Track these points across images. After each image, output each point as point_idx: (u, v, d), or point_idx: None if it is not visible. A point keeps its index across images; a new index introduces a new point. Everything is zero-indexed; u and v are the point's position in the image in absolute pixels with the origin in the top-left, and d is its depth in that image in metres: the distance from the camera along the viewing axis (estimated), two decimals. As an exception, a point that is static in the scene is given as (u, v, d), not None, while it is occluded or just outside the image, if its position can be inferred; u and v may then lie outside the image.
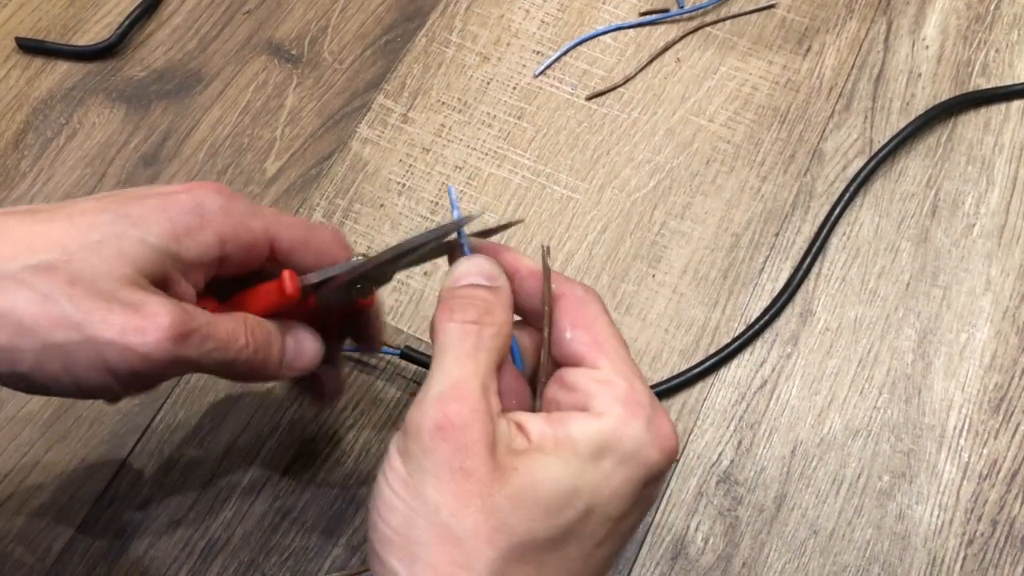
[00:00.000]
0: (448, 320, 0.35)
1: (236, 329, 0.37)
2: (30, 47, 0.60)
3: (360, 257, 0.40)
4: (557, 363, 0.36)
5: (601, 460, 0.33)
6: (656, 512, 0.49)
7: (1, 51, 0.60)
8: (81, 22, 0.61)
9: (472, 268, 0.37)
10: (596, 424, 0.33)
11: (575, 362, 0.35)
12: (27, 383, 0.35)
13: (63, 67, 0.60)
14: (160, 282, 0.36)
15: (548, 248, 0.37)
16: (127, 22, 0.61)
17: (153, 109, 0.59)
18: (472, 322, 0.35)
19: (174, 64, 0.61)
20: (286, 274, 0.39)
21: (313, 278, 0.39)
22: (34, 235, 0.34)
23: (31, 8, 0.62)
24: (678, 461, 0.50)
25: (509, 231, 0.56)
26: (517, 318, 0.37)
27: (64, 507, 0.49)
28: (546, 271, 0.37)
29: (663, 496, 0.50)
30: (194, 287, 0.38)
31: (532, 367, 0.38)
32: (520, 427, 0.34)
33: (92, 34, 0.61)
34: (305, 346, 0.40)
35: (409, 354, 0.51)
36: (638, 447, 0.33)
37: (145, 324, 0.34)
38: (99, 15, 0.62)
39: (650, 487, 0.34)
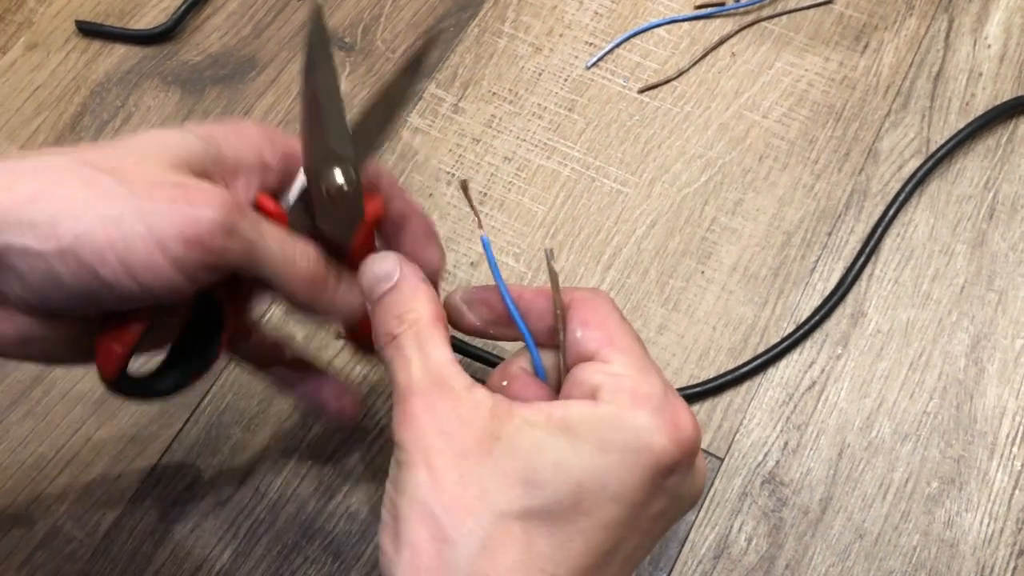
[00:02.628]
0: (379, 349, 0.37)
1: (289, 244, 0.36)
2: (89, 30, 0.61)
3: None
4: (572, 364, 0.36)
5: (599, 446, 0.32)
6: (699, 511, 0.49)
7: (61, 34, 0.61)
8: (139, 6, 0.62)
9: (369, 278, 0.37)
10: (593, 408, 0.33)
11: (588, 359, 0.35)
12: (62, 277, 0.32)
13: (120, 50, 0.61)
14: (203, 177, 0.36)
15: (551, 251, 0.37)
16: (183, 7, 0.61)
17: (207, 93, 0.60)
18: (391, 340, 0.36)
19: (228, 49, 0.61)
20: (259, 196, 0.37)
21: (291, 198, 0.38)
22: (80, 148, 0.35)
23: (91, -9, 0.63)
24: (722, 460, 0.50)
25: (555, 227, 0.56)
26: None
27: (113, 485, 0.50)
28: (552, 275, 0.36)
29: (706, 495, 0.49)
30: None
31: (556, 382, 0.38)
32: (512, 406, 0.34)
33: (149, 18, 0.62)
34: (353, 292, 0.40)
35: (458, 346, 0.51)
36: (639, 434, 0.33)
37: (197, 195, 0.33)
38: (156, 0, 0.62)
39: (669, 478, 0.34)
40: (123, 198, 0.32)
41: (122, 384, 0.37)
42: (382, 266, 0.38)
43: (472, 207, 0.38)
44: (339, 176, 0.37)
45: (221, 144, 0.37)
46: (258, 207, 0.37)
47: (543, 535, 0.32)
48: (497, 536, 0.31)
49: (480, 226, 0.39)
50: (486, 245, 0.37)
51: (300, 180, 0.38)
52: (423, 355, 0.35)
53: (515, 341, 0.38)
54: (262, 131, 0.39)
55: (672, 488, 0.34)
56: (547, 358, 0.37)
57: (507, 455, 0.32)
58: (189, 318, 0.39)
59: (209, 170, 0.36)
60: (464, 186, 0.38)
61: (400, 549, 0.32)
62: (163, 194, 0.33)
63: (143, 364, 0.38)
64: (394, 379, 0.35)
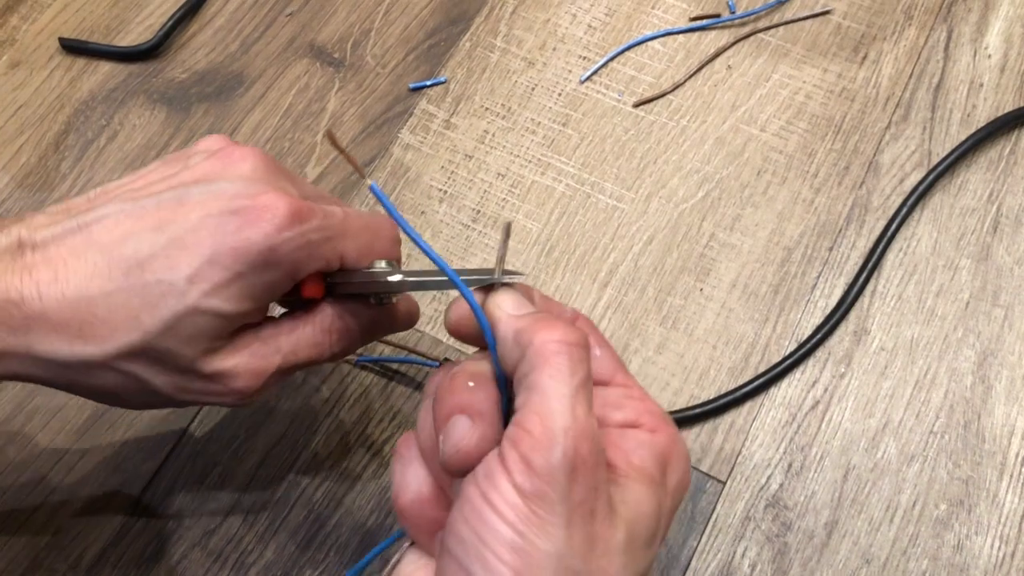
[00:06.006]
0: (557, 350, 0.31)
1: (320, 343, 0.39)
2: (73, 48, 0.60)
3: (384, 266, 0.39)
4: None
5: (666, 481, 0.32)
6: (702, 536, 0.47)
7: (45, 51, 0.60)
8: (124, 23, 0.61)
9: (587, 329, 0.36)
10: (651, 441, 0.33)
11: (603, 381, 0.35)
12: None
13: (105, 68, 0.60)
14: (236, 326, 0.37)
15: (509, 225, 0.34)
16: (169, 23, 0.60)
17: (194, 111, 0.58)
18: (580, 360, 0.31)
19: (215, 66, 0.60)
20: (309, 282, 0.39)
21: (337, 277, 0.39)
22: (113, 307, 0.35)
23: (75, 9, 0.61)
24: (724, 483, 0.49)
25: (550, 244, 0.55)
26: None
27: (97, 514, 0.48)
28: (502, 249, 0.34)
29: (708, 519, 0.48)
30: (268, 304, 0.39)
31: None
32: None
33: (135, 35, 0.61)
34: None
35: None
36: (685, 462, 0.33)
37: (222, 389, 0.37)
38: (142, 16, 0.61)
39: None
40: (161, 397, 0.37)
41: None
42: (593, 336, 0.35)
43: (345, 155, 0.34)
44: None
45: (257, 299, 0.37)
46: (301, 290, 0.39)
47: None
48: None
49: (362, 175, 0.34)
50: (376, 192, 0.33)
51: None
52: (586, 401, 0.31)
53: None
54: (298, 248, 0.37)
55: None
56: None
57: (630, 522, 0.31)
58: None
59: (241, 322, 0.37)
60: (330, 135, 0.34)
61: None
62: (194, 388, 0.37)
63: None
64: (558, 393, 0.30)
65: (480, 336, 0.33)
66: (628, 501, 0.31)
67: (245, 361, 0.37)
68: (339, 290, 0.40)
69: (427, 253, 0.32)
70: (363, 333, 0.41)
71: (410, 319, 0.43)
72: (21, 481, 0.49)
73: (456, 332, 0.35)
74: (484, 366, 0.33)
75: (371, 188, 0.32)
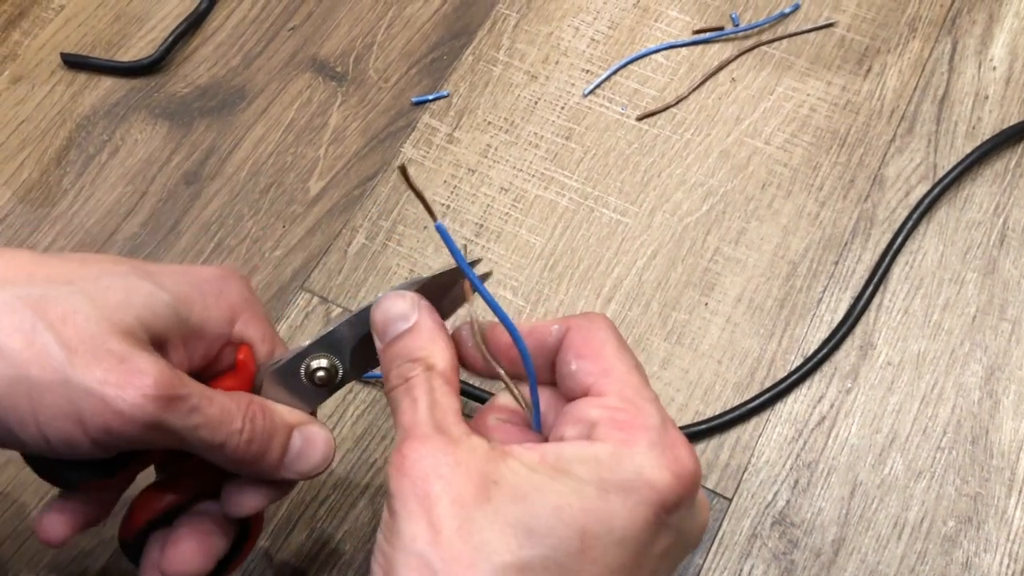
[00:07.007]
0: (388, 392, 0.35)
1: (232, 409, 0.35)
2: (75, 63, 0.60)
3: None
4: (568, 398, 0.35)
5: (599, 487, 0.31)
6: (708, 554, 0.47)
7: (46, 67, 0.60)
8: (126, 38, 0.61)
9: (385, 316, 0.36)
10: (591, 449, 0.32)
11: (583, 393, 0.34)
12: None
13: (107, 83, 0.60)
14: (159, 342, 0.34)
15: (465, 247, 0.36)
16: (171, 38, 0.60)
17: (196, 126, 0.58)
18: (402, 382, 0.34)
19: (217, 81, 0.60)
20: (244, 351, 0.37)
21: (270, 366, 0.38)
22: (39, 264, 0.33)
23: (76, 24, 0.61)
24: (730, 500, 0.48)
25: (554, 259, 0.54)
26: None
27: (99, 532, 0.48)
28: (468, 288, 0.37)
29: (714, 537, 0.47)
30: (190, 362, 0.36)
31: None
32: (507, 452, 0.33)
33: (136, 50, 0.60)
34: (314, 448, 0.38)
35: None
36: (639, 471, 0.31)
37: (129, 378, 0.32)
38: (144, 31, 0.61)
39: (673, 514, 0.32)
40: (55, 366, 0.31)
41: (135, 551, 0.39)
42: (398, 306, 0.36)
43: (417, 194, 0.33)
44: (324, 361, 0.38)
45: (192, 309, 0.35)
46: (236, 361, 0.37)
47: None
48: None
49: (433, 216, 0.33)
50: (443, 232, 0.33)
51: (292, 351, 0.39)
52: (432, 401, 0.34)
53: (494, 379, 0.37)
54: (244, 297, 0.38)
55: (676, 524, 0.33)
56: (528, 394, 0.36)
57: (507, 500, 0.31)
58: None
59: (171, 334, 0.35)
60: (403, 171, 0.32)
61: None
62: (98, 369, 0.32)
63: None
64: (397, 423, 0.34)
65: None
66: (512, 483, 0.31)
67: (161, 363, 0.33)
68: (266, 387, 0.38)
69: (493, 308, 0.34)
70: (282, 434, 0.37)
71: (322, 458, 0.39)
72: (22, 500, 0.48)
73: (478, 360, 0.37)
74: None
75: (437, 228, 0.33)
